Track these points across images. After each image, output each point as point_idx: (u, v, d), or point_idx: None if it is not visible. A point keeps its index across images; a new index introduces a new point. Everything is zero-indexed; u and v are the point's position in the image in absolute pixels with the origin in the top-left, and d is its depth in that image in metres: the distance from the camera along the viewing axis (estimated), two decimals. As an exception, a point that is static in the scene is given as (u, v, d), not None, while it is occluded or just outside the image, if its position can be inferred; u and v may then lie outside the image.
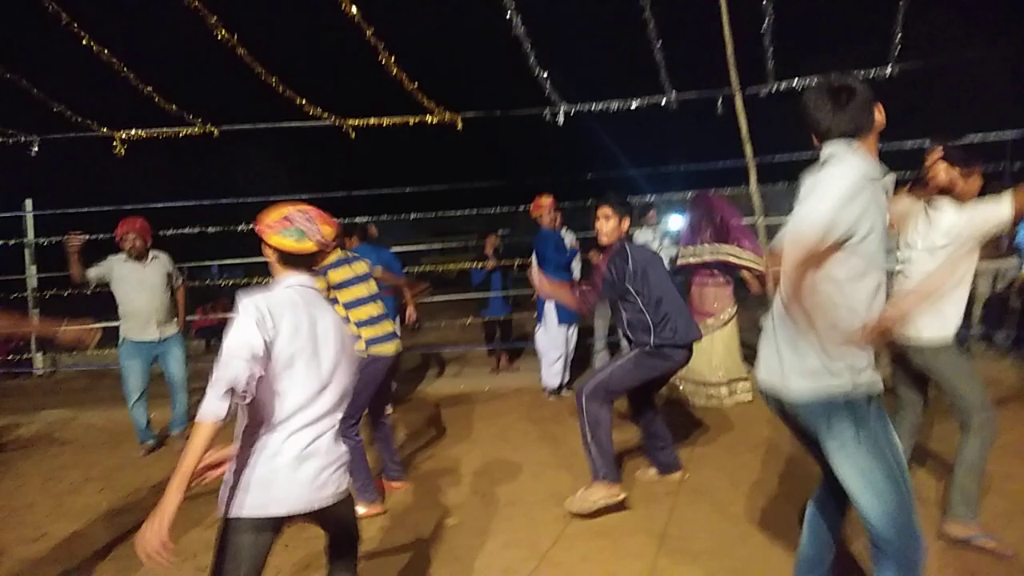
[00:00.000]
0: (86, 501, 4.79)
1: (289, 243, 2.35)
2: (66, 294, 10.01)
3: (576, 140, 8.09)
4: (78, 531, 4.27)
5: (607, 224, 4.21)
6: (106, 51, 5.36)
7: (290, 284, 2.39)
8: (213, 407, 2.06)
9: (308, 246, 2.38)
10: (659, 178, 9.00)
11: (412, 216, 9.68)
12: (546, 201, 6.68)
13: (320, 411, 2.33)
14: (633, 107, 7.44)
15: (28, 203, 9.87)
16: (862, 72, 7.09)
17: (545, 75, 6.27)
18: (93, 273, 5.61)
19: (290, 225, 2.37)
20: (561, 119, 7.43)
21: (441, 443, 5.63)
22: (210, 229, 9.26)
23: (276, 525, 2.28)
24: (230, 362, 2.10)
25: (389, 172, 11.70)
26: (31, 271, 10.05)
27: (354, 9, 4.59)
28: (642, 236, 8.21)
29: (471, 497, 4.43)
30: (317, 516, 2.36)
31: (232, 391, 2.08)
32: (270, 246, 2.41)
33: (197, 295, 15.11)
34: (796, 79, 7.27)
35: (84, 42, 5.17)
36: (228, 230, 9.08)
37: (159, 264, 5.74)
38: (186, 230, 9.11)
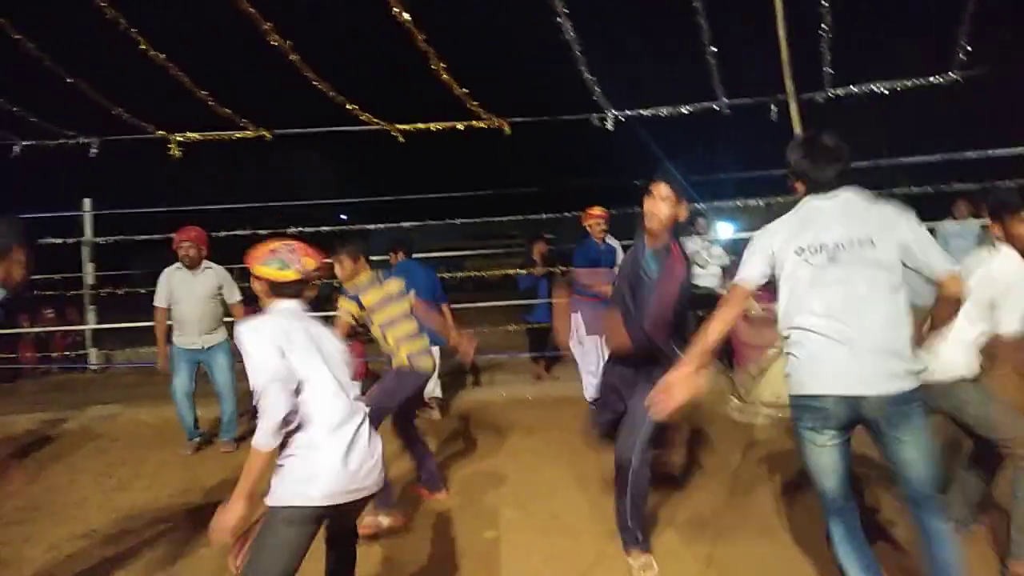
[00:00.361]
0: (135, 498, 4.87)
1: (272, 272, 2.62)
2: (121, 292, 10.35)
3: (624, 146, 7.95)
4: (126, 528, 4.34)
5: (663, 207, 3.33)
6: (163, 55, 5.49)
7: (280, 309, 2.63)
8: (266, 440, 2.33)
9: (289, 275, 2.63)
10: (710, 186, 8.86)
11: (458, 220, 9.71)
12: (597, 212, 6.62)
13: (348, 405, 2.57)
14: (684, 112, 7.32)
15: (87, 202, 10.18)
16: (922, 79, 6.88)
17: (594, 80, 6.17)
18: (161, 296, 5.82)
19: (273, 256, 2.64)
20: (610, 125, 7.34)
21: (480, 452, 5.59)
22: (261, 231, 9.37)
23: (318, 517, 2.45)
24: (269, 395, 2.34)
25: (435, 176, 11.74)
26: (88, 269, 10.35)
27: (406, 15, 4.59)
28: (691, 245, 8.07)
29: (510, 510, 4.37)
30: (347, 509, 2.54)
31: (281, 421, 2.33)
32: (257, 277, 2.65)
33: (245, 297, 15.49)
34: (854, 84, 7.10)
35: (142, 46, 5.30)
36: (278, 232, 9.21)
37: (210, 276, 5.84)
38: (237, 232, 9.24)
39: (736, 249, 8.82)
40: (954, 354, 3.15)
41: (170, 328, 5.88)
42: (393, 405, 4.27)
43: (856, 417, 2.56)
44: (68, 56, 5.67)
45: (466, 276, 13.86)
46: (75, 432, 6.74)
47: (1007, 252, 3.21)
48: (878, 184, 9.22)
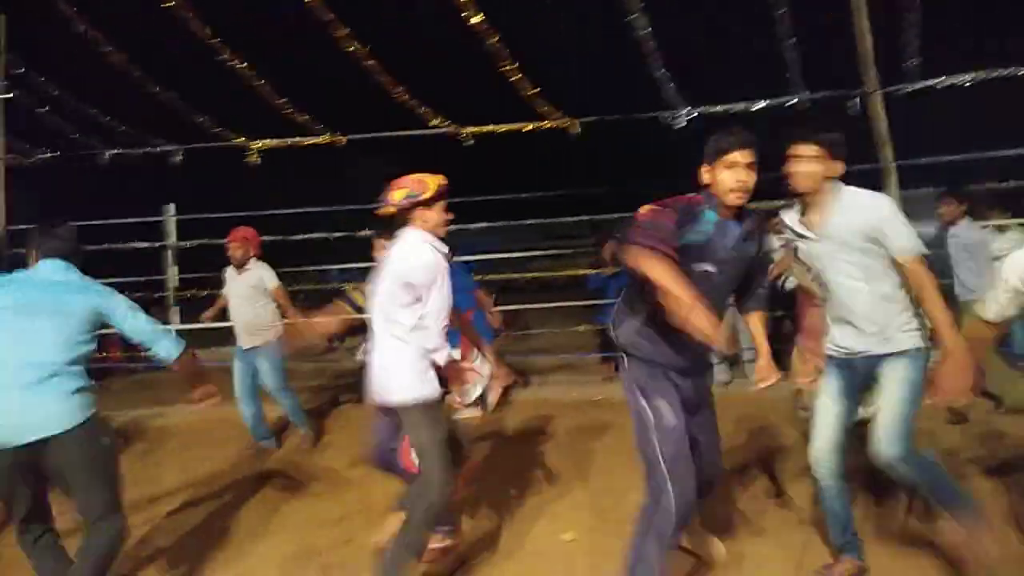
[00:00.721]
0: (216, 494, 5.04)
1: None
2: (204, 295, 10.72)
3: (696, 145, 7.78)
4: (204, 522, 4.49)
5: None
6: (245, 64, 5.68)
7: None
8: None
9: None
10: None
11: (527, 222, 9.69)
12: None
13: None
14: (758, 108, 7.14)
15: (170, 208, 10.59)
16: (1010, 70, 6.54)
17: (667, 75, 6.08)
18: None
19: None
20: (682, 122, 7.22)
21: (552, 454, 5.55)
22: (335, 234, 9.53)
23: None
24: None
25: (500, 178, 11.80)
26: (172, 272, 10.77)
27: (475, 19, 4.63)
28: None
29: (586, 512, 4.32)
30: None
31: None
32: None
33: (320, 298, 15.82)
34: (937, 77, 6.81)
35: (224, 56, 5.49)
36: (349, 235, 9.34)
37: (252, 275, 5.90)
38: (311, 235, 9.44)
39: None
40: None
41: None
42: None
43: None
44: (153, 66, 5.92)
45: (533, 277, 13.89)
46: (163, 429, 7.01)
47: None
48: (963, 179, 8.84)
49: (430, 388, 3.24)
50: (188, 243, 10.49)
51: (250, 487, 5.15)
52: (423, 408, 3.19)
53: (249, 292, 5.90)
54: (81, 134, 7.31)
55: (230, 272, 6.05)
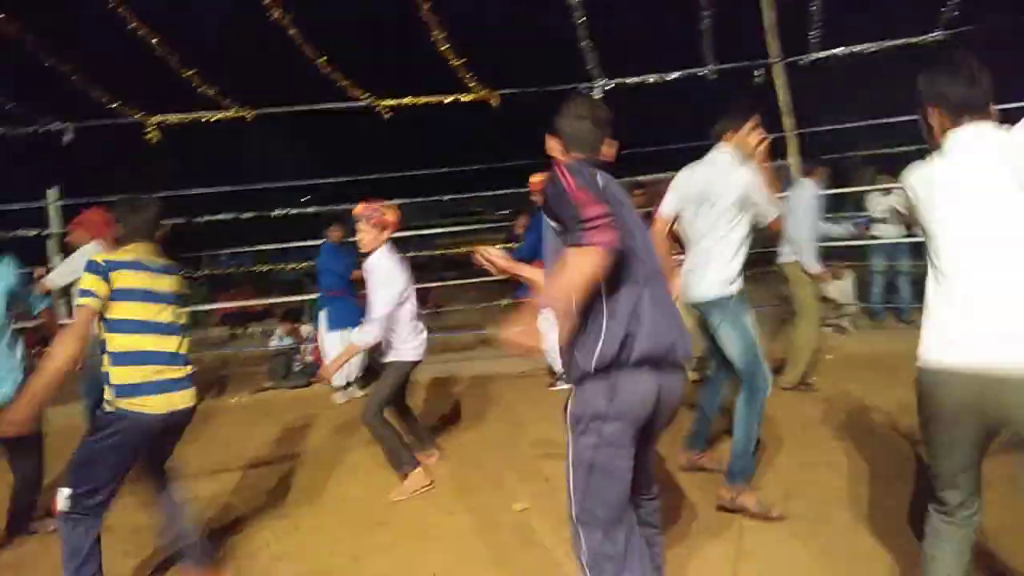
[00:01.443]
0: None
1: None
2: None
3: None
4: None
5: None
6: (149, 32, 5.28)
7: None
8: None
9: None
10: (698, 153, 8.86)
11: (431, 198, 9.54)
12: (537, 180, 6.14)
13: None
14: (671, 79, 7.34)
15: (54, 192, 9.80)
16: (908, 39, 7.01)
17: (589, 47, 6.13)
18: None
19: None
20: (599, 93, 7.32)
21: (486, 427, 5.59)
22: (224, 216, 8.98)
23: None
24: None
25: (401, 154, 11.59)
26: (57, 262, 10.01)
27: None
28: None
29: (533, 481, 4.37)
30: None
31: None
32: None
33: (215, 283, 15.16)
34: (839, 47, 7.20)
35: (132, 24, 5.08)
36: (238, 218, 8.87)
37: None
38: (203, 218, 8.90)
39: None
40: None
41: None
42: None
43: None
44: (47, 35, 5.41)
45: (438, 255, 13.82)
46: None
47: None
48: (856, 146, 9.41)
49: None
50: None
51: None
52: None
53: None
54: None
55: None
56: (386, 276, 4.22)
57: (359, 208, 4.29)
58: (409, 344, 4.39)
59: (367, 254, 4.32)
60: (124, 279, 2.94)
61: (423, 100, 7.21)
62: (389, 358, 4.38)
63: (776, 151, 8.07)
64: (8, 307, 3.81)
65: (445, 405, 6.29)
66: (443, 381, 7.12)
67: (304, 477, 4.80)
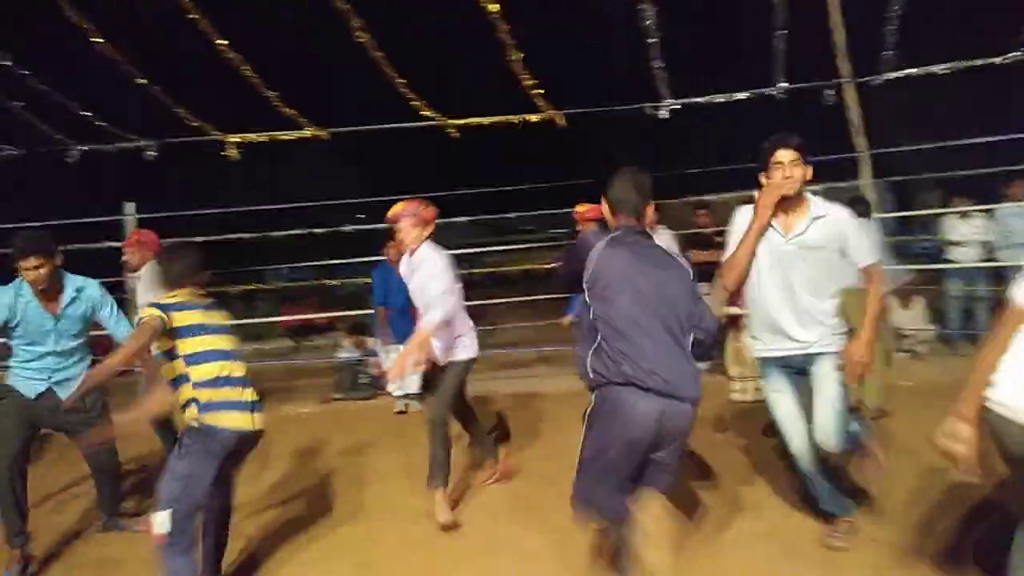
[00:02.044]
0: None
1: None
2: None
3: (676, 136, 7.93)
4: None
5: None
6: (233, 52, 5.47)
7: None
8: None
9: None
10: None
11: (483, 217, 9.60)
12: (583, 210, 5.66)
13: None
14: (739, 99, 7.29)
15: (131, 206, 10.18)
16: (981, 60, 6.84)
17: (658, 68, 6.13)
18: None
19: None
20: (665, 114, 7.30)
21: (553, 440, 5.59)
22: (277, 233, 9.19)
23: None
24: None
25: (454, 173, 11.70)
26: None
27: (494, 7, 4.59)
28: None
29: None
30: None
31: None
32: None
33: (279, 296, 15.55)
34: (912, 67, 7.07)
35: (219, 42, 5.27)
36: (309, 234, 9.04)
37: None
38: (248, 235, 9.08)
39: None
40: None
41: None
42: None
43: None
44: (137, 58, 5.67)
45: (488, 272, 13.87)
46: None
47: None
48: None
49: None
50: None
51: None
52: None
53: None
54: (53, 129, 6.97)
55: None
56: (439, 265, 4.23)
57: (397, 208, 4.25)
58: (464, 341, 4.39)
59: (412, 252, 4.34)
60: (181, 319, 3.18)
61: (491, 120, 7.30)
62: (449, 358, 4.35)
63: (848, 172, 7.97)
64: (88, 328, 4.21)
65: (513, 422, 6.29)
66: (500, 398, 7.12)
67: (376, 487, 4.88)
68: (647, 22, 5.59)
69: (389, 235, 7.01)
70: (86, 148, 7.39)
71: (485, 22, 4.88)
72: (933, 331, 7.57)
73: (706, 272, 8.02)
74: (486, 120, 7.36)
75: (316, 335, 13.27)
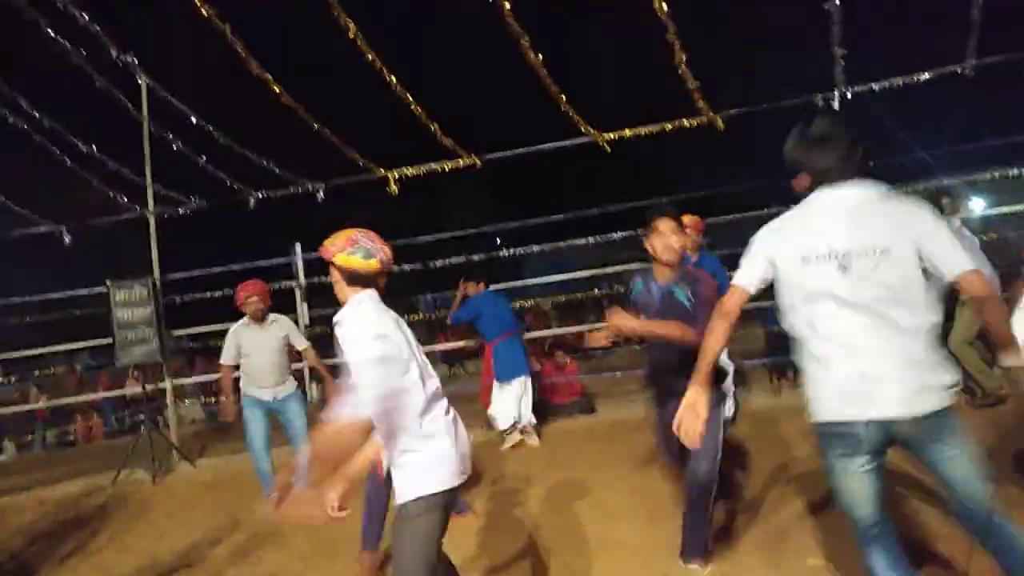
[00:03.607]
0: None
1: (356, 262, 2.61)
2: (331, 332, 10.83)
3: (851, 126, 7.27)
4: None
5: (673, 240, 3.51)
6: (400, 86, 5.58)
7: (366, 298, 2.65)
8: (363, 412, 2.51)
9: (373, 264, 2.64)
10: (957, 158, 7.93)
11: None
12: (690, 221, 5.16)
13: (441, 392, 2.71)
14: (923, 80, 6.61)
15: (297, 247, 10.80)
16: None
17: (840, 53, 5.65)
18: (228, 355, 5.78)
19: (356, 246, 2.63)
20: (836, 104, 6.75)
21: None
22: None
23: (446, 501, 2.64)
24: (376, 371, 2.47)
25: (585, 193, 11.43)
26: (302, 310, 10.98)
27: (664, 7, 4.41)
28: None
29: (824, 533, 3.94)
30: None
31: (383, 396, 2.48)
32: (337, 267, 2.64)
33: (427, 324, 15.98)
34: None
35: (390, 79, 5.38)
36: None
37: (276, 328, 5.82)
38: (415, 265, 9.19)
39: (989, 227, 7.86)
40: None
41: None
42: None
43: (890, 439, 2.38)
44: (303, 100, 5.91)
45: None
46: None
47: None
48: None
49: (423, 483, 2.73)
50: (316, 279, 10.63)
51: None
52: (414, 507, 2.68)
53: (278, 344, 5.79)
54: (229, 177, 7.46)
55: (247, 330, 5.78)
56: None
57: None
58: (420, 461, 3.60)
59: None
60: None
61: (646, 130, 7.04)
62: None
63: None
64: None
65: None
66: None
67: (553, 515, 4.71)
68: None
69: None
70: (261, 195, 7.81)
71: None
72: None
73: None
74: (643, 131, 7.10)
75: (468, 360, 13.55)
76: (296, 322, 10.89)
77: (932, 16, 5.99)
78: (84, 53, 6.05)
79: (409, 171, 7.38)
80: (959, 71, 6.59)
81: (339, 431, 2.54)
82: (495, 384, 6.71)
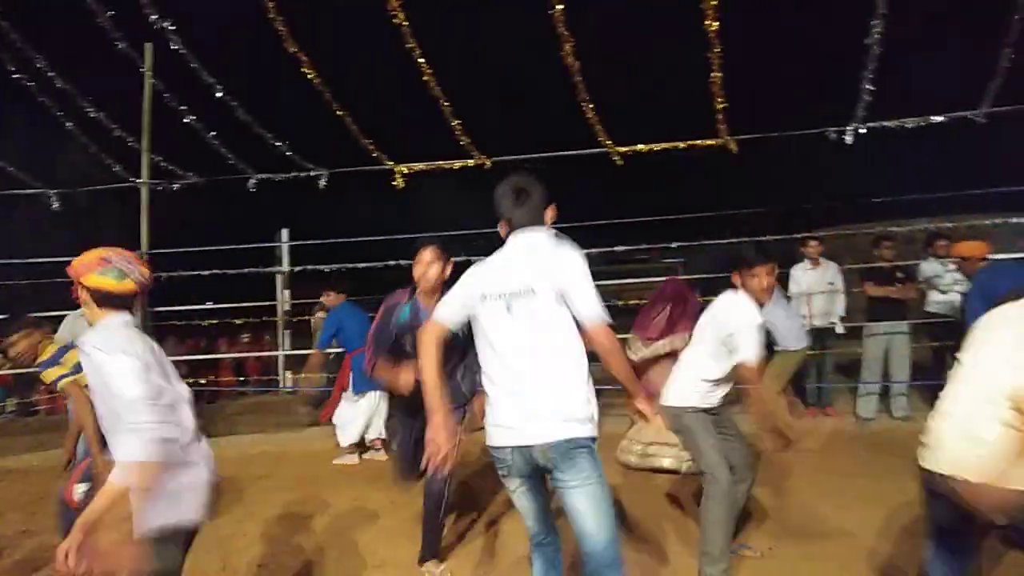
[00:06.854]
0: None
1: (109, 282, 2.43)
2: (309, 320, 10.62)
3: (856, 161, 7.40)
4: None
5: (433, 270, 3.88)
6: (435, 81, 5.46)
7: (117, 321, 2.44)
8: (151, 450, 2.21)
9: (128, 285, 2.46)
10: (961, 202, 8.06)
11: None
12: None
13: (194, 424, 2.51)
14: (936, 122, 6.70)
15: (284, 233, 10.58)
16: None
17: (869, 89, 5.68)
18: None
19: (109, 266, 2.44)
20: (849, 139, 6.81)
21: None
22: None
23: (190, 534, 2.48)
24: (144, 412, 2.23)
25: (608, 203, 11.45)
26: (284, 297, 10.78)
27: (715, 25, 4.38)
28: (928, 269, 7.41)
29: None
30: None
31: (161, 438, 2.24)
32: (87, 287, 2.45)
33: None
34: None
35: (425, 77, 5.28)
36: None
37: None
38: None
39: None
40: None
41: None
42: None
43: (534, 465, 2.61)
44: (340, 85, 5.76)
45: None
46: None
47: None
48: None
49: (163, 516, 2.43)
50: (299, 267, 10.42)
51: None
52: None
53: None
54: (232, 156, 7.26)
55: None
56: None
57: None
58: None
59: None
60: None
61: (660, 146, 7.02)
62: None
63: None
64: None
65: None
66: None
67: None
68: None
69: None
70: (263, 176, 7.60)
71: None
72: None
73: (885, 308, 7.41)
74: (657, 147, 7.08)
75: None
76: (276, 308, 10.79)
77: (953, 61, 6.03)
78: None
79: (418, 166, 7.27)
80: (970, 117, 6.71)
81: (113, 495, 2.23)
82: (346, 395, 6.55)
